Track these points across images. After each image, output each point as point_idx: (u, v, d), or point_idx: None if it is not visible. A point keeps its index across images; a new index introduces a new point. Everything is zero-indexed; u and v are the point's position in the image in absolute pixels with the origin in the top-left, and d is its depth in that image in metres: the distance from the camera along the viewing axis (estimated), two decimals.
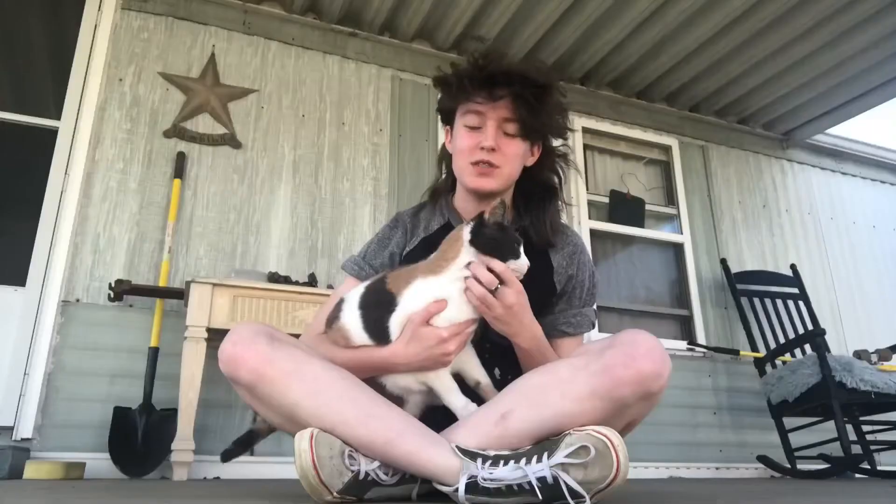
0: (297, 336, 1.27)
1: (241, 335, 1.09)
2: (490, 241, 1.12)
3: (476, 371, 1.19)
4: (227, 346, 1.08)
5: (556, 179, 1.40)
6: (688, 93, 4.15)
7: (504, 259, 1.11)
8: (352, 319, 1.18)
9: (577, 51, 3.76)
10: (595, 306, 1.41)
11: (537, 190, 1.38)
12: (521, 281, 1.16)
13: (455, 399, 1.13)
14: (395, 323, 1.14)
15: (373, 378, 1.18)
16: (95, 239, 2.78)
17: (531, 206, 1.38)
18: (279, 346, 1.09)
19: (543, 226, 1.34)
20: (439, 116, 1.43)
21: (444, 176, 1.45)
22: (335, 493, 0.99)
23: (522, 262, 1.13)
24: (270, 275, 2.76)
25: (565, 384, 1.04)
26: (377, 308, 1.16)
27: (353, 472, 1.01)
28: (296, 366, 1.08)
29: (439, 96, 1.39)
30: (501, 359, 1.25)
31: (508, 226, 1.15)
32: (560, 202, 1.40)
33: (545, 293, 1.33)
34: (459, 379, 1.19)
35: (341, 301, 1.23)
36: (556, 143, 1.40)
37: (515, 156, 1.30)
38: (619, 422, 1.04)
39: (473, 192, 1.33)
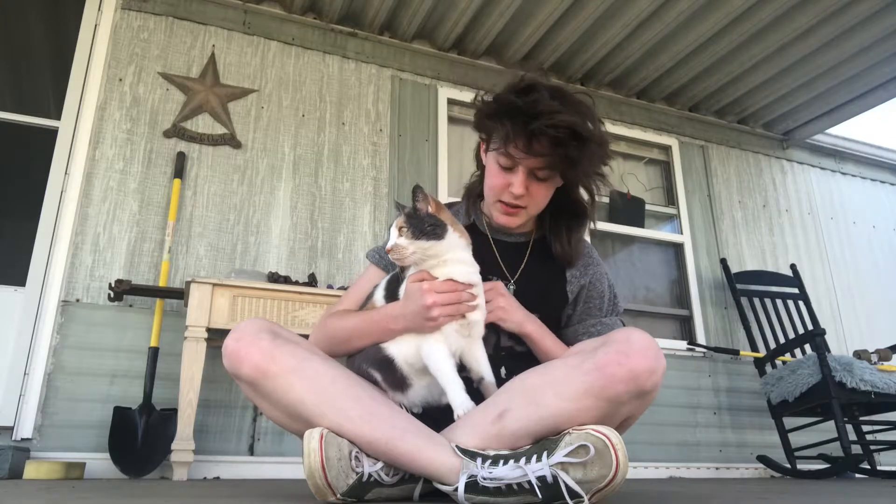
0: (304, 336, 1.28)
1: (244, 331, 1.10)
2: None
3: (482, 367, 1.19)
4: (230, 342, 1.10)
5: (588, 198, 1.35)
6: (688, 93, 4.15)
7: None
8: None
9: (577, 51, 3.77)
10: (620, 317, 1.38)
11: (567, 208, 1.36)
12: (535, 293, 1.27)
13: (454, 393, 1.11)
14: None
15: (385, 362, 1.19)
16: (95, 239, 2.78)
17: (559, 223, 1.36)
18: (282, 343, 1.10)
19: (567, 246, 1.34)
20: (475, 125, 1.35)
21: (477, 174, 1.43)
22: (339, 495, 0.99)
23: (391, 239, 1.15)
24: (270, 275, 2.76)
25: (560, 383, 1.04)
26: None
27: (357, 473, 1.01)
28: (298, 363, 1.08)
29: (476, 113, 1.31)
30: (509, 360, 1.27)
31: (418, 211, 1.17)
32: (589, 222, 1.37)
33: (558, 304, 1.35)
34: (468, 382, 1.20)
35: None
36: None
37: (545, 197, 1.29)
38: (614, 420, 1.05)
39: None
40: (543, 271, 1.35)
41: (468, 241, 1.20)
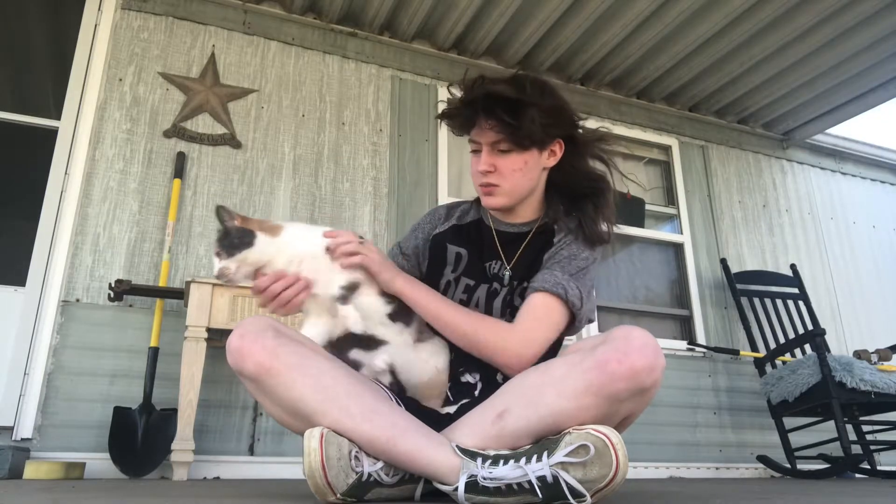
0: None
1: (248, 328, 1.11)
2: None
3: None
4: (234, 339, 1.11)
5: (604, 167, 1.38)
6: (688, 93, 4.15)
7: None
8: None
9: (577, 51, 3.76)
10: (579, 289, 1.28)
11: (583, 185, 1.38)
12: (529, 275, 1.30)
13: None
14: None
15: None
16: (95, 239, 2.78)
17: (578, 203, 1.38)
18: (285, 341, 1.11)
19: (594, 225, 1.36)
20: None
21: None
22: (339, 495, 0.99)
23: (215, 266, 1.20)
24: None
25: (559, 382, 1.04)
26: None
27: (357, 473, 1.01)
28: (300, 360, 1.09)
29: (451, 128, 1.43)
30: None
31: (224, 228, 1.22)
32: (612, 192, 1.38)
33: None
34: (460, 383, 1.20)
35: None
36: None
37: (513, 171, 1.31)
38: (614, 418, 1.05)
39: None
40: (539, 254, 1.36)
41: (281, 234, 1.24)
